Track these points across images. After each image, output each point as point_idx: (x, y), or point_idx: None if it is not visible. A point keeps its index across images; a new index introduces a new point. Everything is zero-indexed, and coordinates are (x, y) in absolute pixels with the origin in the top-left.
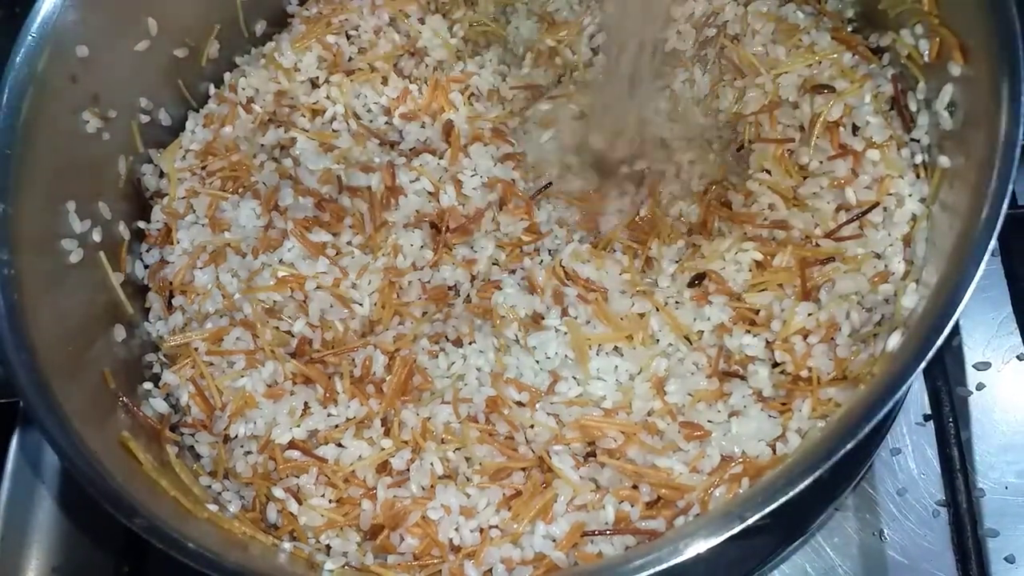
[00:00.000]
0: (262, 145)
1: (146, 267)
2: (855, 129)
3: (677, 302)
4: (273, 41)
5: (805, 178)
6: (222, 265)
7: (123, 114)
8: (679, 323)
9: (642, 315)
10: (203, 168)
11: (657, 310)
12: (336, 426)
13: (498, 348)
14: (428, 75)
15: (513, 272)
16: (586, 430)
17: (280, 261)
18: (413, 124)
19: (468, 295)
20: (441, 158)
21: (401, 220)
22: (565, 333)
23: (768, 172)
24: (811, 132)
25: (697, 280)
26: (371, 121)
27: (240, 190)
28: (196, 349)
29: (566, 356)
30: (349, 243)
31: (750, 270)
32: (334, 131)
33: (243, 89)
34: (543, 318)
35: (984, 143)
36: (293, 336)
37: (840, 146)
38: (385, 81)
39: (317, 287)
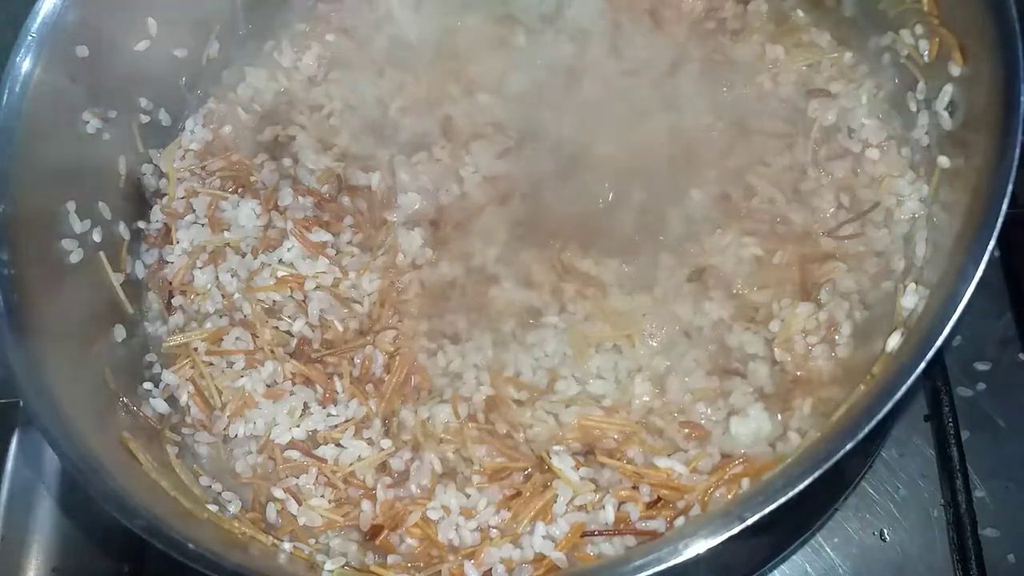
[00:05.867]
0: (261, 144)
1: (146, 267)
2: (851, 129)
3: (676, 296)
4: (273, 40)
5: (805, 171)
6: (222, 265)
7: (123, 114)
8: (679, 318)
9: (644, 314)
10: (203, 168)
11: (655, 305)
12: (336, 426)
13: (495, 344)
14: (426, 67)
15: (511, 267)
16: (586, 430)
17: (280, 261)
18: (410, 117)
19: (465, 291)
20: (442, 149)
21: (401, 219)
22: (564, 330)
23: (767, 164)
24: (808, 137)
25: (696, 275)
26: (368, 114)
27: (240, 190)
28: (196, 349)
29: (565, 353)
30: (349, 242)
31: (750, 265)
32: (331, 127)
33: (243, 88)
34: (541, 314)
35: (984, 143)
36: (293, 336)
37: (838, 148)
38: (381, 74)
39: (316, 287)
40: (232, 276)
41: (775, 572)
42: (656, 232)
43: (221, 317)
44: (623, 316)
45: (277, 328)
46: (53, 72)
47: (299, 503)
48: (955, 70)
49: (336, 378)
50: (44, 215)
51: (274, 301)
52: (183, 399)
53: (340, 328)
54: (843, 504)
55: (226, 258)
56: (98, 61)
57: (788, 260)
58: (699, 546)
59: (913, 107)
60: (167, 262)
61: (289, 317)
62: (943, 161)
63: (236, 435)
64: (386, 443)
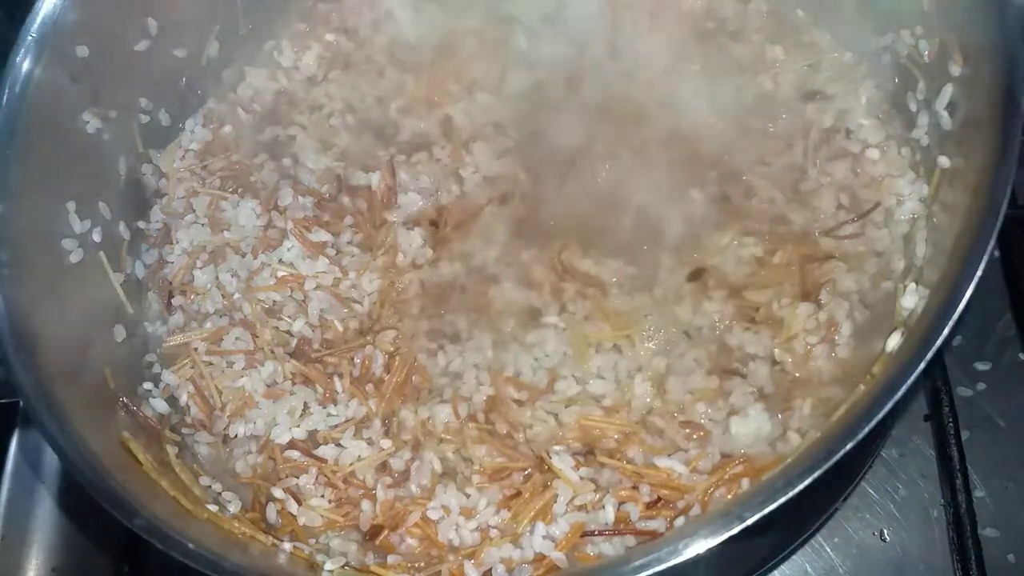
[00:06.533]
0: (261, 144)
1: (146, 267)
2: (851, 129)
3: (676, 296)
4: (273, 40)
5: (805, 172)
6: (222, 265)
7: (123, 114)
8: (679, 318)
9: (644, 314)
10: (203, 168)
11: (655, 305)
12: (336, 426)
13: (495, 344)
14: (426, 67)
15: (511, 267)
16: (586, 430)
17: (280, 261)
18: (410, 117)
19: (465, 290)
20: (442, 150)
21: (401, 219)
22: (564, 330)
23: (767, 164)
24: (807, 139)
25: (696, 275)
26: (368, 114)
27: (240, 190)
28: (196, 349)
29: (565, 353)
30: (349, 242)
31: (750, 265)
32: (331, 127)
33: (243, 88)
34: (541, 314)
35: (984, 143)
36: (293, 336)
37: (838, 149)
38: (381, 73)
39: (316, 287)
40: (232, 276)
41: (775, 572)
42: (656, 232)
43: (221, 317)
44: (623, 316)
45: (277, 328)
46: (53, 72)
47: (299, 503)
48: (955, 70)
49: (336, 378)
50: (44, 215)
51: (274, 301)
52: (183, 399)
53: (340, 328)
54: (843, 504)
55: (226, 258)
56: (98, 61)
57: (788, 260)
58: (699, 546)
59: (913, 107)
60: (167, 262)
61: (289, 317)
62: (943, 161)
63: (236, 435)
64: (386, 443)
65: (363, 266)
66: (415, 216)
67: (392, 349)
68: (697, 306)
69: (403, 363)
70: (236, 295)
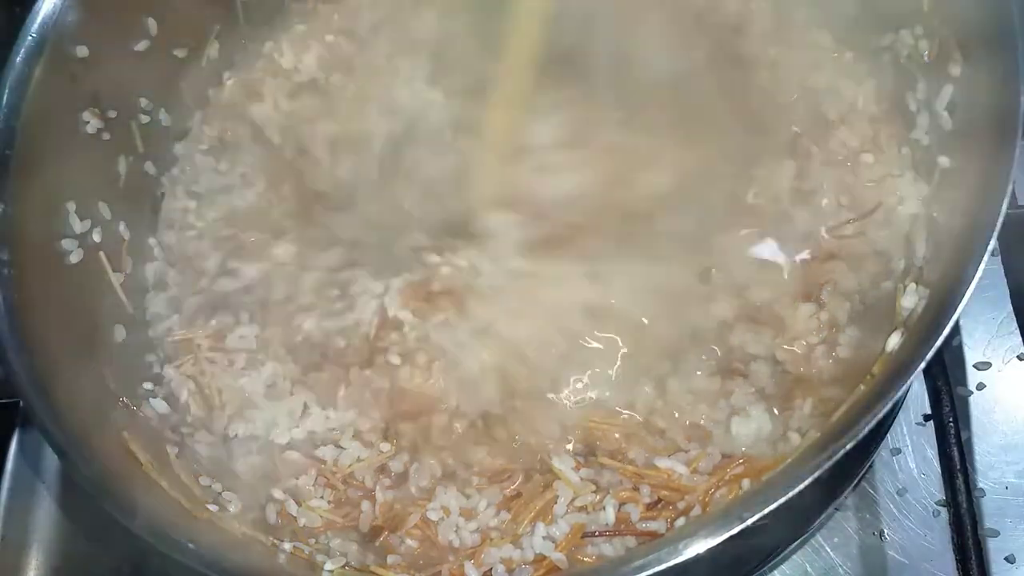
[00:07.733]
0: None
1: None
2: (852, 129)
3: (680, 296)
4: (272, 41)
5: (806, 171)
6: None
7: (123, 114)
8: (681, 318)
9: (646, 314)
10: None
11: (658, 305)
12: (335, 428)
13: None
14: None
15: None
16: (587, 430)
17: None
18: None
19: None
20: None
21: None
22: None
23: (768, 164)
24: (808, 136)
25: (700, 274)
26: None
27: None
28: (199, 346)
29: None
30: None
31: (752, 264)
32: None
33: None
34: None
35: (984, 143)
36: (295, 336)
37: (837, 149)
38: (382, 74)
39: None
40: None
41: (775, 572)
42: (658, 231)
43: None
44: (624, 316)
45: (279, 328)
46: (53, 72)
47: (299, 504)
48: (955, 70)
49: (337, 379)
50: (44, 215)
51: None
52: (183, 397)
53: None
54: (843, 504)
55: None
56: (98, 61)
57: (790, 260)
58: (699, 546)
59: (913, 107)
60: None
61: None
62: (943, 161)
63: (236, 435)
64: (385, 446)
65: None
66: None
67: None
68: (700, 306)
69: None
70: None
